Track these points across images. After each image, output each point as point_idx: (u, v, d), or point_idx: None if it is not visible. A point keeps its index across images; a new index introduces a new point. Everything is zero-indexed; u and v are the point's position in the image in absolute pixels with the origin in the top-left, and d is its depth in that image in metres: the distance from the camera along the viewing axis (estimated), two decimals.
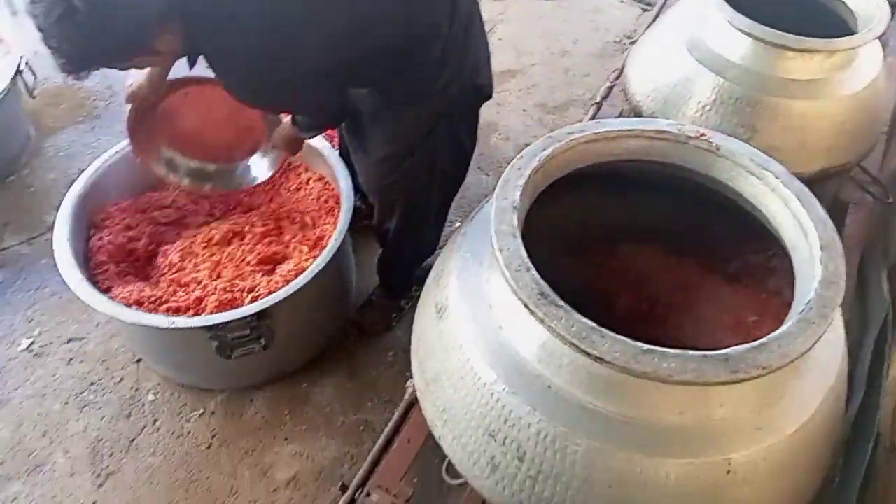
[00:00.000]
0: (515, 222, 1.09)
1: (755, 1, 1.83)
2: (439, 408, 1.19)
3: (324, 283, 1.60)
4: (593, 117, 2.22)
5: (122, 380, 1.85)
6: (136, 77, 1.64)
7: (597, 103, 2.25)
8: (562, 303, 0.99)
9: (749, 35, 1.59)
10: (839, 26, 1.78)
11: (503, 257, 1.04)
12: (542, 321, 0.97)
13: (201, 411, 1.77)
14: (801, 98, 1.62)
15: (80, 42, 1.25)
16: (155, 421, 1.76)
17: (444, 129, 1.61)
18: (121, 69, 1.41)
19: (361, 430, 1.74)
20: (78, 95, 2.76)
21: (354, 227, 2.13)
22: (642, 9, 3.31)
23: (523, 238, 1.08)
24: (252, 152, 1.85)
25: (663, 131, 1.24)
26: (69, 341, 1.94)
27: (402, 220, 1.70)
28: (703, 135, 1.23)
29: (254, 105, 1.63)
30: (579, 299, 1.26)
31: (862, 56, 1.68)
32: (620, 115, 2.15)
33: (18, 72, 2.33)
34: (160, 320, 1.48)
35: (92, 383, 1.84)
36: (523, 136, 2.60)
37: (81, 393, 1.82)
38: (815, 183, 1.73)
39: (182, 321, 1.49)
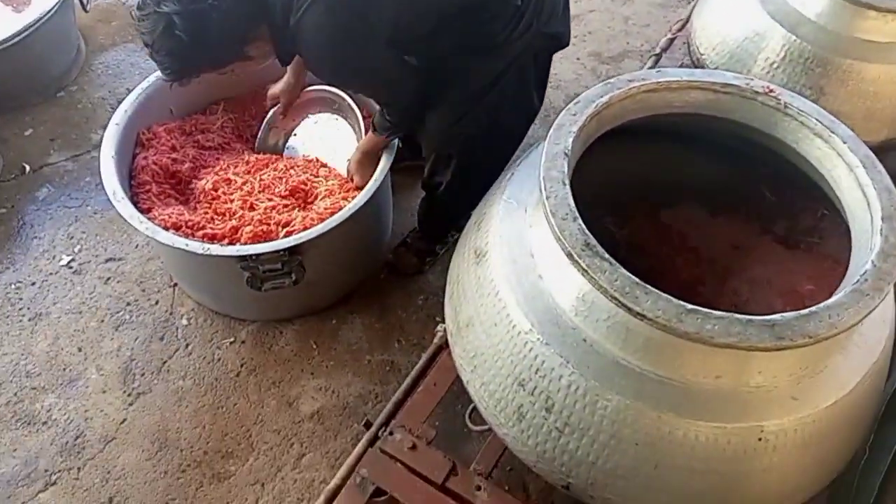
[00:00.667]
0: (566, 169, 1.05)
1: None
2: (470, 353, 1.19)
3: (359, 223, 1.57)
4: (651, 69, 2.13)
5: (157, 302, 1.87)
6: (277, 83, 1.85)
7: (656, 55, 2.16)
8: (606, 255, 0.96)
9: None
10: None
11: (550, 204, 1.01)
12: (584, 272, 0.95)
13: (232, 339, 1.79)
14: (875, 61, 1.53)
15: (180, 53, 1.40)
16: (187, 345, 1.79)
17: (513, 81, 1.56)
18: (221, 73, 1.53)
19: (387, 371, 1.74)
20: (129, 15, 2.72)
21: (395, 168, 2.11)
22: None
23: (571, 188, 1.04)
24: None
25: (729, 84, 1.19)
26: (108, 261, 1.96)
27: (456, 175, 1.67)
28: (771, 91, 1.16)
29: (341, 86, 1.79)
30: (626, 255, 1.23)
31: None
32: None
33: None
34: (195, 245, 1.49)
35: (128, 303, 1.87)
36: (574, 85, 2.51)
37: (117, 312, 1.85)
38: (884, 151, 1.65)
39: (216, 249, 1.49)
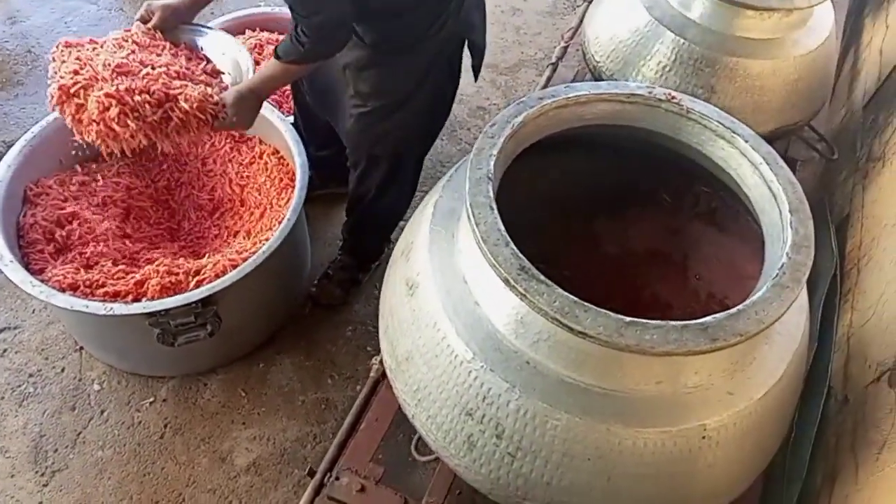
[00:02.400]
0: (491, 193, 1.05)
1: None
2: (412, 387, 1.16)
3: (275, 264, 1.52)
4: (549, 79, 2.18)
5: (63, 370, 1.73)
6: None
7: (552, 64, 2.20)
8: (542, 277, 0.96)
9: None
10: None
11: (481, 231, 1.00)
12: (523, 297, 0.94)
13: (151, 399, 1.68)
14: (758, 57, 1.62)
15: None
16: (102, 412, 1.67)
17: (432, 81, 1.59)
18: None
19: (323, 409, 1.69)
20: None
21: (308, 197, 2.06)
22: None
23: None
24: None
25: (634, 94, 1.22)
26: (2, 331, 1.80)
27: (386, 177, 1.66)
28: (673, 97, 1.20)
29: None
30: (555, 260, 1.24)
31: (816, 15, 1.69)
32: (576, 77, 2.12)
33: None
34: (96, 306, 1.38)
35: (30, 375, 1.72)
36: (476, 98, 2.54)
37: (19, 386, 1.70)
38: (773, 140, 1.76)
39: (120, 307, 1.39)
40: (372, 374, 1.43)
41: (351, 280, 1.87)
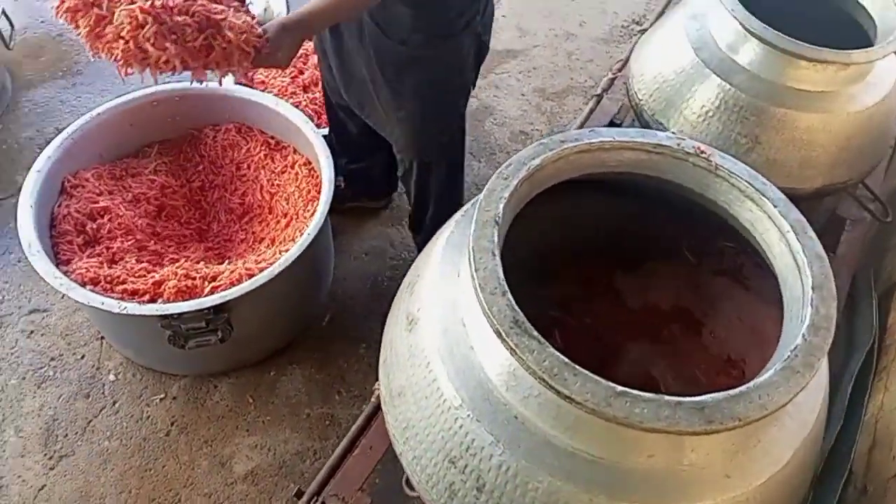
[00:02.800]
0: (496, 238, 1.02)
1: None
2: (402, 424, 1.13)
3: (291, 277, 1.52)
4: (592, 110, 2.13)
5: (83, 357, 1.78)
6: None
7: (597, 95, 2.15)
8: (535, 333, 0.92)
9: (760, 39, 1.50)
10: (856, 34, 1.69)
11: (479, 277, 0.97)
12: (512, 351, 0.91)
13: (162, 395, 1.71)
14: (808, 110, 1.53)
15: None
16: (114, 403, 1.71)
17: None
18: None
19: (327, 425, 1.69)
20: (60, 48, 2.64)
21: (338, 210, 2.06)
22: None
23: (503, 253, 1.01)
24: None
25: (661, 145, 1.17)
26: (31, 312, 1.87)
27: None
28: (702, 152, 1.15)
29: None
30: (576, 304, 1.20)
31: (876, 69, 1.60)
32: (620, 111, 2.07)
33: None
34: (111, 304, 1.41)
35: (52, 358, 1.77)
36: (519, 122, 2.51)
37: (40, 368, 1.76)
38: (820, 196, 1.67)
39: (133, 307, 1.41)
40: (373, 399, 1.42)
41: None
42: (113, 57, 1.33)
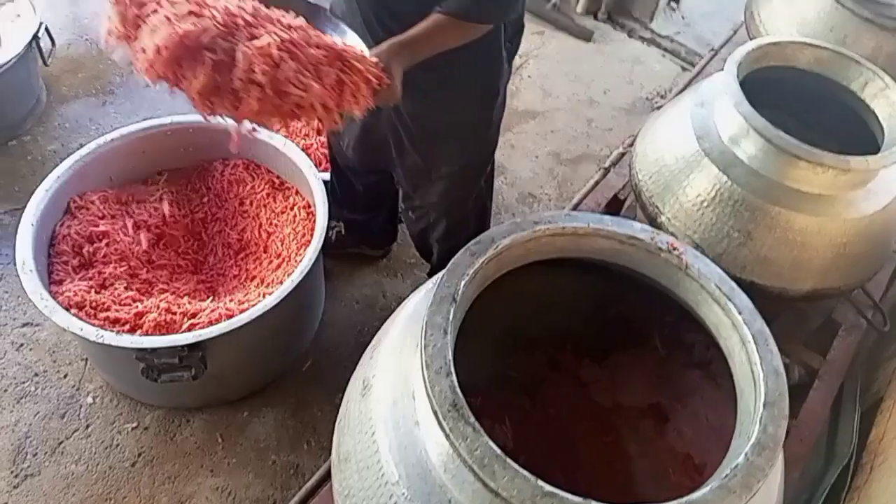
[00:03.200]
0: (451, 316, 1.02)
1: (779, 88, 1.75)
2: (344, 491, 1.12)
3: (271, 321, 1.53)
4: (598, 182, 2.14)
5: (66, 376, 1.81)
6: None
7: (605, 168, 2.16)
8: (471, 419, 0.91)
9: (761, 135, 1.50)
10: (861, 135, 1.68)
11: (427, 354, 0.97)
12: (446, 435, 0.90)
13: (135, 424, 1.72)
14: (804, 212, 1.52)
15: None
16: (87, 426, 1.72)
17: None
18: None
19: (291, 474, 1.67)
20: (98, 66, 2.74)
21: (335, 254, 2.08)
22: (682, 67, 3.20)
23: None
24: None
25: (635, 237, 1.16)
26: (24, 325, 1.90)
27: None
28: (675, 249, 1.14)
29: None
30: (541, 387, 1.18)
31: (880, 176, 1.57)
32: (624, 187, 2.07)
33: (35, 38, 2.31)
34: (89, 331, 1.43)
35: (36, 374, 1.80)
36: (529, 184, 2.52)
37: (23, 383, 1.78)
38: (810, 300, 1.64)
39: (110, 337, 1.43)
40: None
41: None
42: (243, 113, 1.05)
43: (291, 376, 1.85)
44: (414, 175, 1.68)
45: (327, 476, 1.39)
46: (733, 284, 1.11)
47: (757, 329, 1.05)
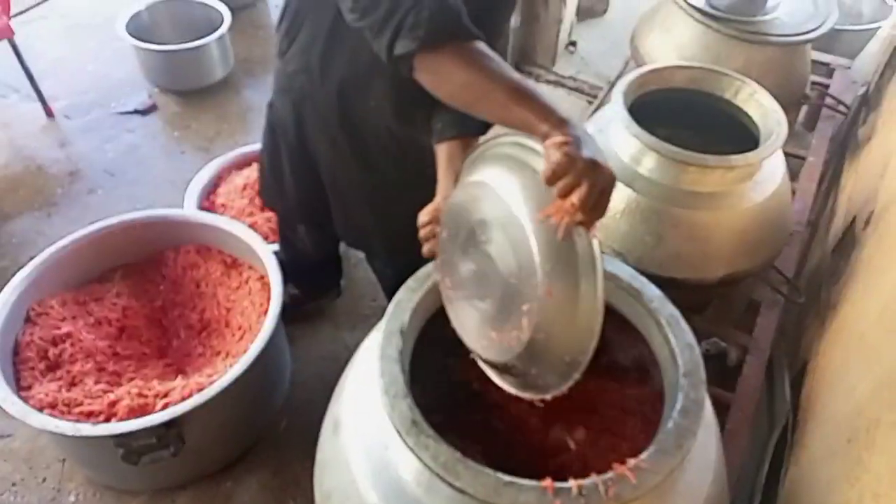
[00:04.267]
0: (400, 346, 1.14)
1: (669, 106, 1.97)
2: None
3: (242, 389, 1.61)
4: None
5: (44, 480, 1.83)
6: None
7: None
8: (431, 431, 1.03)
9: (652, 149, 1.69)
10: (746, 134, 1.89)
11: (383, 383, 1.09)
12: (411, 450, 1.01)
13: None
14: (703, 209, 1.70)
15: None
16: None
17: None
18: None
19: None
20: (37, 182, 2.82)
21: (295, 316, 2.17)
22: (588, 101, 3.46)
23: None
24: None
25: None
26: None
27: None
28: None
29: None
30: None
31: (764, 168, 1.78)
32: None
33: None
34: (66, 427, 1.49)
35: (14, 484, 1.82)
36: None
37: (1, 495, 1.80)
38: (726, 285, 1.82)
39: (87, 428, 1.50)
40: None
41: None
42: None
43: (269, 439, 1.92)
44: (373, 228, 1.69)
45: None
46: (644, 280, 1.26)
47: (668, 313, 1.20)
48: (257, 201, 2.35)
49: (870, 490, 1.08)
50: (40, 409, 1.56)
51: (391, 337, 1.15)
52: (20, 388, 1.65)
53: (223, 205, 2.36)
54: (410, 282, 1.24)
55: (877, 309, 1.41)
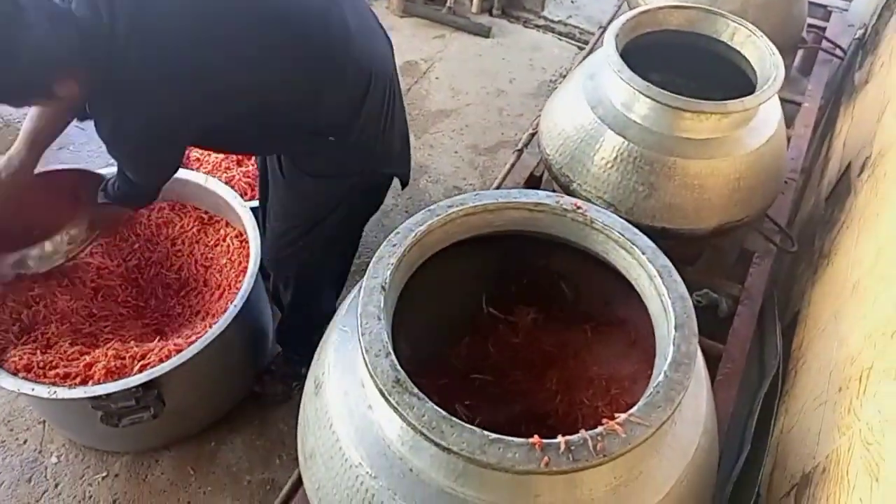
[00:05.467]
0: (381, 304, 1.09)
1: (663, 52, 1.89)
2: (315, 485, 1.18)
3: (220, 349, 1.57)
4: (513, 165, 2.25)
5: (25, 441, 1.80)
6: None
7: (517, 150, 2.27)
8: (415, 390, 0.99)
9: (646, 95, 1.62)
10: (743, 80, 1.83)
11: (365, 341, 1.04)
12: (395, 409, 0.98)
13: (105, 474, 1.73)
14: (696, 157, 1.65)
15: None
16: (57, 485, 1.72)
17: (345, 208, 1.59)
18: (16, 107, 1.41)
19: (268, 490, 1.72)
20: (5, 138, 2.72)
21: None
22: (579, 47, 3.36)
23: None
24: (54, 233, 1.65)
25: (542, 203, 1.26)
26: None
27: (297, 293, 1.69)
28: (579, 208, 1.25)
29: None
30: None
31: (760, 113, 1.72)
32: (539, 164, 2.18)
33: None
34: (41, 390, 1.45)
35: None
36: (453, 178, 2.62)
37: None
38: (719, 235, 1.78)
39: (63, 391, 1.45)
40: None
41: (293, 374, 1.88)
42: None
43: (252, 399, 1.89)
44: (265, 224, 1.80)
45: (300, 480, 1.44)
46: (636, 230, 1.22)
47: (661, 264, 1.16)
48: (233, 156, 2.26)
49: (860, 438, 1.06)
50: (15, 373, 1.51)
51: (373, 293, 1.10)
52: None
53: (198, 159, 2.28)
54: (392, 237, 1.19)
55: (871, 256, 1.37)
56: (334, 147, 1.49)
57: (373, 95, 1.50)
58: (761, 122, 1.74)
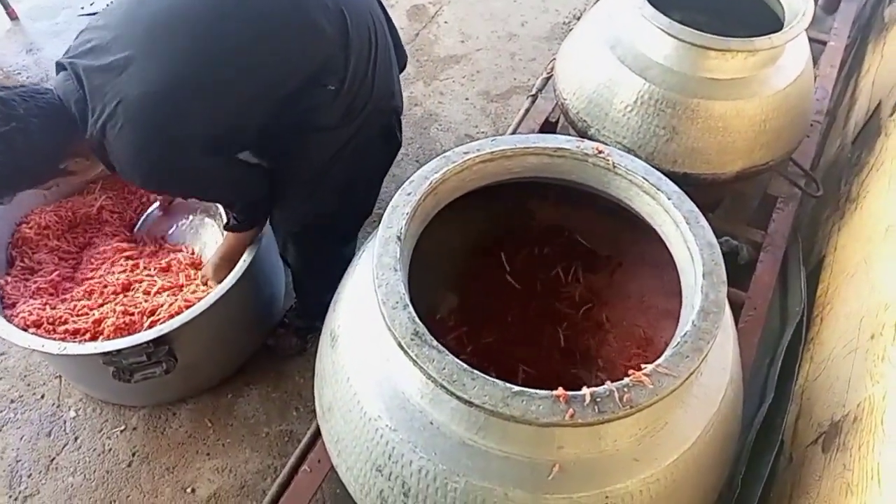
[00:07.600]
0: (398, 254, 1.06)
1: None
2: (334, 437, 1.17)
3: (233, 303, 1.54)
4: (528, 110, 2.17)
5: (43, 396, 1.81)
6: None
7: (532, 95, 2.20)
8: (434, 343, 0.96)
9: (668, 34, 1.55)
10: (768, 18, 1.74)
11: (381, 293, 1.01)
12: (414, 362, 0.95)
13: (123, 427, 1.74)
14: (721, 98, 1.58)
15: None
16: (76, 439, 1.73)
17: (348, 157, 1.53)
18: (45, 189, 1.54)
19: (286, 441, 1.72)
20: None
21: None
22: None
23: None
24: None
25: (562, 148, 1.21)
26: None
27: (301, 251, 1.66)
28: (601, 152, 1.19)
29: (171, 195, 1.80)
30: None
31: (787, 52, 1.64)
32: (554, 109, 2.11)
33: None
34: (52, 346, 1.44)
35: (12, 401, 1.80)
36: (464, 126, 2.55)
37: (1, 412, 1.78)
38: (742, 179, 1.72)
39: (73, 347, 1.44)
40: None
41: (308, 328, 1.87)
42: None
43: (267, 352, 1.88)
44: None
45: (318, 432, 1.43)
46: (660, 175, 1.16)
47: (687, 209, 1.11)
48: None
49: (895, 386, 1.03)
50: (25, 328, 1.50)
51: (388, 244, 1.06)
52: (4, 305, 1.58)
53: None
54: (406, 185, 1.14)
55: None
56: (333, 96, 1.44)
57: (355, 32, 1.45)
58: (789, 60, 1.66)
